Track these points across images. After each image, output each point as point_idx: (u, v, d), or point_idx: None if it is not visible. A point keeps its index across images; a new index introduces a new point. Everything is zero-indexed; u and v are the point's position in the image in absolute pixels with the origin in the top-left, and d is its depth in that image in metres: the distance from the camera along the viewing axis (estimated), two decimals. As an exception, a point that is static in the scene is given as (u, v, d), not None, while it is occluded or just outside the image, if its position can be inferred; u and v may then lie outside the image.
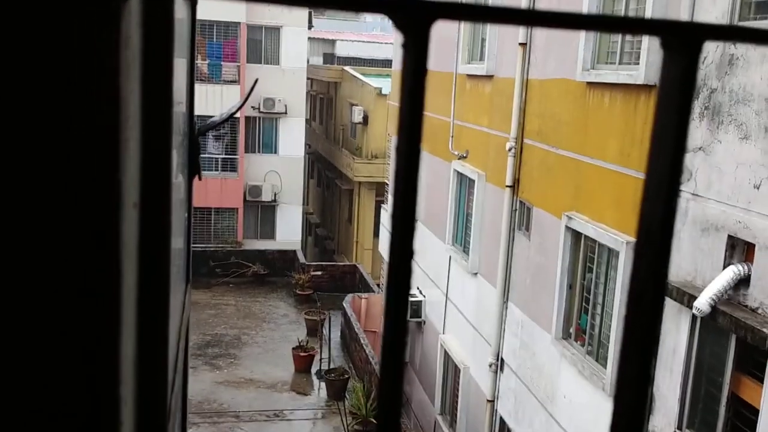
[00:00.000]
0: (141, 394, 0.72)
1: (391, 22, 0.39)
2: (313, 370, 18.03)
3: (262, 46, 26.81)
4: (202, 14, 24.73)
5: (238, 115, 25.73)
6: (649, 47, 7.47)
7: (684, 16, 6.93)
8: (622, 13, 8.28)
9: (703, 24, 0.45)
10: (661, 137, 0.45)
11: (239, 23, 25.87)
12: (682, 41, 0.43)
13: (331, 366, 17.49)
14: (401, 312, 0.42)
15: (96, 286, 0.53)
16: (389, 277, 0.42)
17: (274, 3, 0.40)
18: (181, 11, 1.47)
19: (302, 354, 17.96)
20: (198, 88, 26.22)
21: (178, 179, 1.39)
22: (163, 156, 0.78)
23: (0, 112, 0.48)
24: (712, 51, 6.60)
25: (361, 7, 0.38)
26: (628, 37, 8.23)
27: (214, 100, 25.15)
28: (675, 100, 0.44)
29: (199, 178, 1.81)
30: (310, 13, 27.70)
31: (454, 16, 0.39)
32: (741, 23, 6.38)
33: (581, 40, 8.79)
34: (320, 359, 17.77)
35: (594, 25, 0.44)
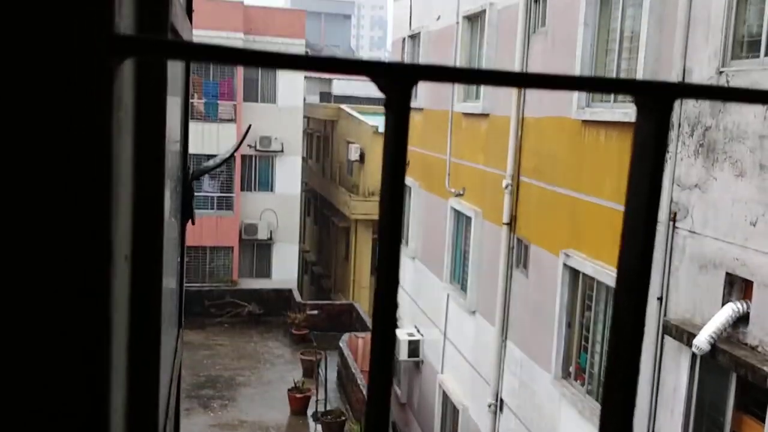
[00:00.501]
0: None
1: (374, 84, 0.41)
2: (309, 411, 17.77)
3: (259, 84, 27.05)
4: (199, 54, 24.95)
5: (234, 153, 25.81)
6: (643, 85, 7.53)
7: (677, 55, 7.01)
8: (616, 53, 8.37)
9: (674, 83, 0.47)
10: (636, 193, 0.47)
11: (236, 63, 26.10)
12: (654, 100, 0.46)
13: (328, 408, 17.25)
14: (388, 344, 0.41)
15: (85, 340, 0.53)
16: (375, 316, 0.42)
17: (265, 66, 0.41)
18: (175, 64, 1.48)
19: (298, 395, 17.73)
20: (194, 126, 26.45)
21: (171, 223, 1.38)
22: (155, 209, 0.79)
23: None
24: (705, 89, 6.65)
25: (345, 70, 0.40)
26: (623, 75, 8.31)
27: (210, 139, 25.27)
28: (648, 157, 0.46)
29: (192, 223, 1.79)
30: (306, 53, 27.97)
31: (433, 77, 0.42)
32: (733, 61, 6.45)
33: (576, 78, 8.87)
34: (316, 400, 17.54)
35: (568, 85, 0.47)
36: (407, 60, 16.07)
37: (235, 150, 2.76)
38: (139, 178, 0.71)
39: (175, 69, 1.48)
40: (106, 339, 0.54)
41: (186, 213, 1.72)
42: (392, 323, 0.42)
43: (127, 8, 0.61)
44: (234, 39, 25.92)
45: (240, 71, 26.30)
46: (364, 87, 39.61)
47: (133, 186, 0.69)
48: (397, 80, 0.39)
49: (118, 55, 0.51)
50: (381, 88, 0.40)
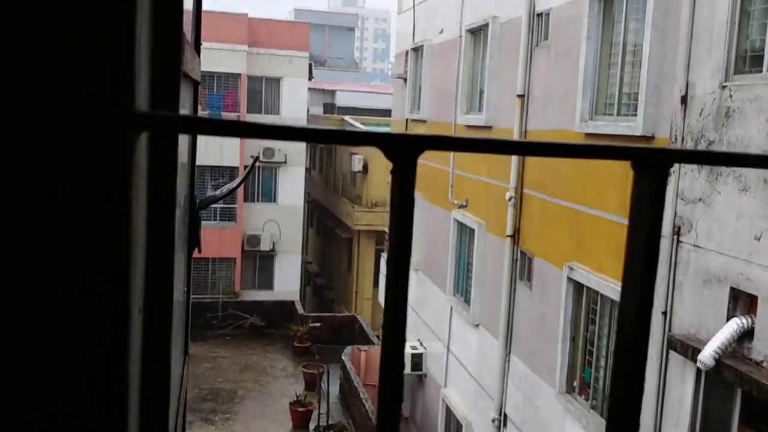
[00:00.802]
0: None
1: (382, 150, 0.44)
2: (312, 425, 17.70)
3: (263, 96, 27.14)
4: (202, 65, 25.11)
5: (237, 164, 25.88)
6: (647, 99, 7.53)
7: (680, 69, 7.00)
8: (619, 67, 8.37)
9: (670, 149, 0.49)
10: (634, 253, 0.48)
11: (240, 74, 26.22)
12: (651, 165, 0.47)
13: (330, 422, 17.18)
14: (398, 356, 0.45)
15: (104, 397, 0.55)
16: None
17: (275, 138, 0.43)
18: (184, 97, 1.49)
19: (300, 409, 17.66)
20: (198, 139, 26.51)
21: (178, 257, 1.39)
22: (166, 262, 0.82)
23: (18, 230, 0.53)
24: (708, 103, 6.65)
25: (355, 141, 0.43)
26: (626, 89, 8.31)
27: (214, 151, 25.32)
28: (646, 218, 0.47)
29: (199, 251, 1.79)
30: (310, 65, 28.12)
31: (438, 147, 0.44)
32: (736, 76, 6.44)
33: (579, 91, 8.88)
34: (318, 414, 17.47)
35: (567, 152, 0.48)
36: (411, 72, 16.11)
37: (242, 182, 2.79)
38: (152, 235, 0.74)
39: (186, 93, 1.48)
40: (123, 391, 0.56)
41: (193, 242, 1.72)
42: (400, 356, 0.42)
43: (142, 77, 0.63)
44: (238, 51, 26.03)
45: (244, 83, 26.40)
46: (368, 98, 39.71)
47: (147, 242, 0.72)
48: (404, 150, 0.41)
49: (137, 130, 0.54)
50: (388, 157, 0.41)
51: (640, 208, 0.47)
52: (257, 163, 26.89)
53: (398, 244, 0.42)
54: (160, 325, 0.81)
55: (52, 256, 0.53)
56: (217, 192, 2.64)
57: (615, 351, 0.50)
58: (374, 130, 0.41)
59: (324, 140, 0.41)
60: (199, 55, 1.81)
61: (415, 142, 0.41)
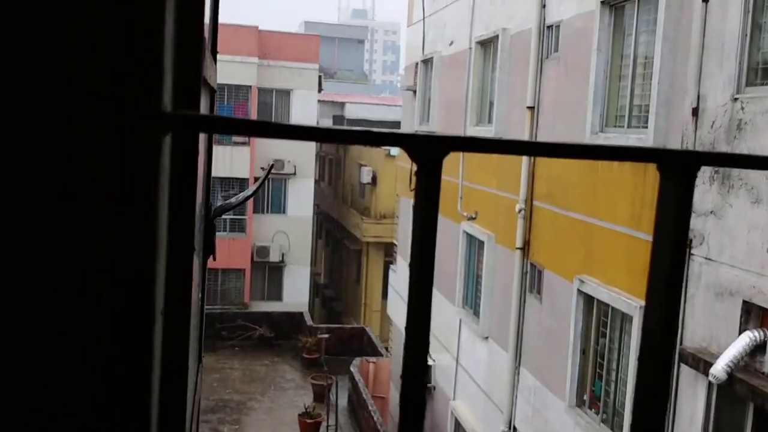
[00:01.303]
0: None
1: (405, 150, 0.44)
2: (320, 436, 17.64)
3: (273, 108, 27.25)
4: (214, 78, 25.22)
5: (247, 176, 25.96)
6: (657, 111, 7.51)
7: (691, 81, 6.99)
8: (629, 79, 8.36)
9: (697, 152, 0.48)
10: (659, 258, 0.47)
11: (250, 86, 26.35)
12: (678, 168, 0.46)
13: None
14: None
15: (130, 398, 0.56)
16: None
17: (297, 138, 0.43)
18: (202, 105, 1.50)
19: (308, 421, 17.61)
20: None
21: (194, 261, 1.40)
22: (185, 263, 0.83)
23: (51, 226, 0.53)
24: (720, 115, 6.63)
25: (380, 143, 0.42)
26: (636, 101, 8.29)
27: (224, 162, 25.42)
28: (671, 222, 0.47)
29: (214, 258, 1.79)
30: (320, 77, 28.23)
31: (463, 148, 0.45)
32: (748, 88, 6.42)
33: (589, 103, 8.87)
34: (327, 426, 17.41)
35: (594, 154, 0.48)
36: (420, 84, 16.15)
37: (258, 189, 2.80)
38: (172, 238, 0.74)
39: (205, 100, 1.49)
40: (147, 393, 0.57)
41: (208, 249, 1.73)
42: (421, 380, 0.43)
43: (167, 78, 0.65)
44: (249, 63, 26.17)
45: (255, 95, 26.53)
46: (377, 110, 39.83)
47: (168, 242, 0.72)
48: (429, 150, 0.42)
49: (163, 131, 0.55)
50: (413, 158, 0.40)
51: (666, 211, 0.46)
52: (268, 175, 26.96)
53: (422, 246, 0.41)
54: (179, 329, 0.81)
55: (78, 257, 0.53)
56: (233, 199, 2.65)
57: (639, 359, 0.50)
58: (398, 131, 0.41)
59: (347, 140, 0.41)
60: (215, 63, 1.84)
61: (440, 142, 0.41)
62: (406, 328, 0.43)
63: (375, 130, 0.41)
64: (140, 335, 0.56)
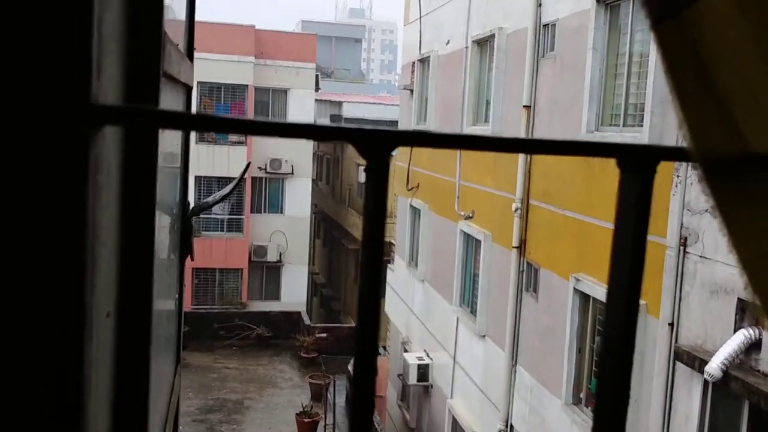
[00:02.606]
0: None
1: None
2: (318, 435, 17.65)
3: (269, 107, 27.23)
4: (210, 77, 25.26)
5: (244, 175, 25.92)
6: (653, 110, 7.53)
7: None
8: (625, 77, 8.38)
9: (657, 146, 0.48)
10: (620, 253, 0.48)
11: (247, 86, 26.34)
12: (637, 163, 0.47)
13: None
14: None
15: (61, 399, 0.53)
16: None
17: (243, 133, 0.42)
18: (175, 102, 1.49)
19: (306, 420, 17.62)
20: (205, 149, 26.44)
21: (168, 262, 1.39)
22: (143, 261, 0.80)
23: None
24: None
25: (328, 137, 0.42)
26: (632, 100, 8.31)
27: (221, 161, 25.40)
28: (632, 217, 0.47)
29: (192, 259, 1.79)
30: (317, 76, 28.22)
31: (410, 143, 0.44)
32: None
33: (585, 102, 8.88)
34: (325, 425, 17.43)
35: (551, 149, 0.48)
36: (417, 83, 16.15)
37: (234, 188, 2.80)
38: (126, 234, 0.72)
39: (176, 98, 1.49)
40: (80, 399, 0.54)
41: (185, 249, 1.72)
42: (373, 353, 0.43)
43: (110, 66, 0.62)
44: (245, 63, 26.16)
45: (251, 94, 26.52)
46: (375, 109, 39.87)
47: (120, 242, 0.70)
48: (376, 145, 0.40)
49: (95, 124, 0.53)
50: (361, 153, 0.40)
51: (626, 206, 0.47)
52: (264, 174, 26.97)
53: (371, 242, 0.41)
54: (137, 331, 0.79)
55: None
56: (209, 198, 2.66)
57: (600, 355, 0.50)
58: (347, 126, 0.41)
59: (296, 135, 0.40)
60: (192, 61, 1.82)
61: (387, 137, 0.41)
62: (356, 331, 0.43)
63: (322, 125, 0.40)
64: (70, 338, 0.54)
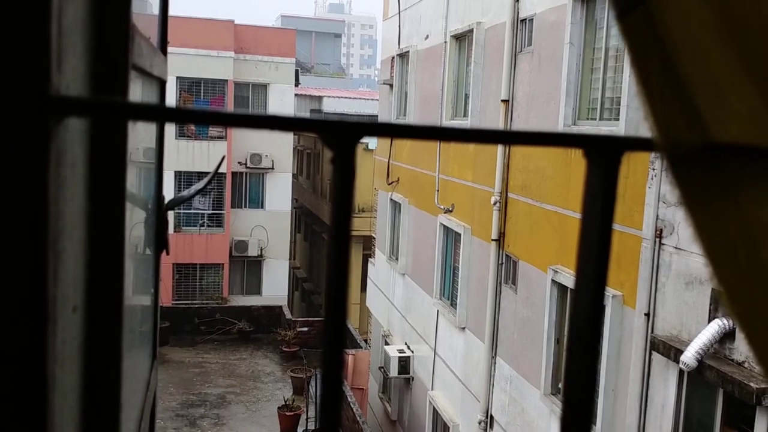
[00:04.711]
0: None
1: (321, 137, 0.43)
2: (300, 430, 17.67)
3: (250, 102, 27.10)
4: (189, 72, 25.08)
5: (225, 170, 25.83)
6: (629, 103, 7.62)
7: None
8: (601, 72, 8.47)
9: (621, 137, 0.48)
10: (586, 242, 0.48)
11: (226, 80, 26.20)
12: (603, 154, 0.46)
13: (318, 426, 17.16)
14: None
15: (23, 394, 0.53)
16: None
17: (207, 124, 0.42)
18: (148, 96, 1.50)
19: (288, 413, 17.63)
20: (185, 144, 26.20)
21: (141, 257, 1.40)
22: (112, 255, 0.79)
23: None
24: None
25: (294, 128, 0.41)
26: (608, 94, 8.40)
27: (201, 156, 25.27)
28: (598, 208, 0.47)
29: (167, 253, 1.81)
30: (296, 71, 28.12)
31: (375, 133, 0.43)
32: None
33: (562, 96, 8.96)
34: (307, 418, 17.45)
35: (515, 139, 0.49)
36: (397, 78, 16.17)
37: (209, 182, 2.80)
38: (94, 227, 0.72)
39: (149, 91, 1.50)
40: (43, 388, 0.54)
41: (160, 244, 1.74)
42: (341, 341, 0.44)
43: (74, 57, 0.62)
44: (225, 57, 26.00)
45: (231, 89, 26.38)
46: (355, 104, 39.81)
47: (88, 235, 0.70)
48: (341, 136, 0.41)
49: (54, 116, 0.52)
50: (327, 145, 0.42)
51: (592, 196, 0.46)
52: (245, 170, 26.86)
53: (338, 235, 0.43)
54: (107, 325, 0.77)
55: None
56: (185, 192, 2.67)
57: (567, 347, 0.49)
58: (312, 117, 0.42)
59: (261, 125, 0.41)
60: (165, 55, 1.81)
61: (352, 128, 0.41)
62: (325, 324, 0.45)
63: (287, 116, 0.41)
64: (32, 332, 0.53)
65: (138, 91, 1.23)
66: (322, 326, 0.44)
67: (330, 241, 0.43)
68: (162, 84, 1.76)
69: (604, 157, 0.47)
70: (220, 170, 25.53)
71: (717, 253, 0.47)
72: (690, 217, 0.48)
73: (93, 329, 0.71)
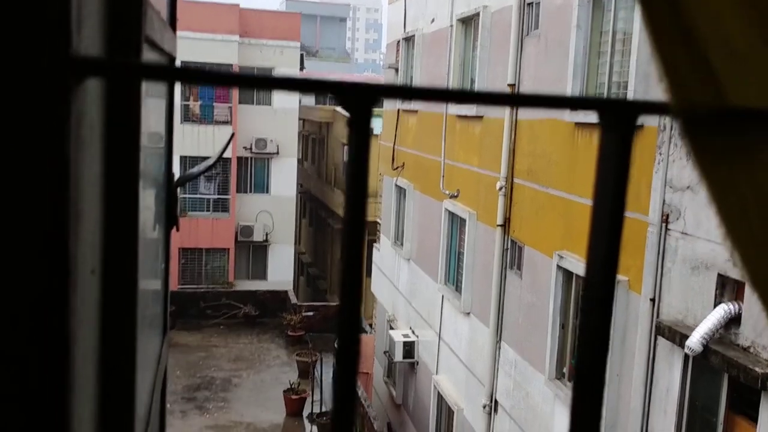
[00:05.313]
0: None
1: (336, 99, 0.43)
2: (305, 413, 17.79)
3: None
4: (194, 56, 25.00)
5: (230, 155, 25.82)
6: (636, 87, 7.57)
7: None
8: (608, 55, 8.41)
9: (637, 101, 0.47)
10: (600, 210, 0.47)
11: (231, 65, 26.12)
12: (617, 118, 0.46)
13: (324, 409, 17.27)
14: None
15: (43, 352, 0.54)
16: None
17: (235, 86, 0.42)
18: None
19: (294, 397, 17.74)
20: (190, 129, 26.21)
21: (152, 230, 1.40)
22: (128, 221, 0.80)
23: None
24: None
25: (311, 90, 0.41)
26: (615, 78, 8.35)
27: (206, 141, 25.27)
28: (612, 174, 0.46)
29: (177, 229, 1.81)
30: (301, 55, 28.03)
31: (393, 95, 0.44)
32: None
33: (569, 80, 8.91)
34: (312, 402, 17.55)
35: (532, 102, 0.47)
36: (402, 62, 16.09)
37: (219, 158, 2.80)
38: (110, 192, 0.72)
39: (159, 94, 1.50)
40: (64, 347, 0.55)
41: (170, 219, 1.74)
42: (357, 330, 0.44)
43: (91, 27, 0.63)
44: (230, 41, 25.93)
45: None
46: (360, 89, 39.60)
47: (103, 200, 0.70)
48: (359, 98, 0.41)
49: (75, 76, 0.52)
50: (344, 106, 0.41)
51: (606, 162, 0.46)
52: (250, 154, 26.85)
53: (354, 199, 0.42)
54: (123, 288, 0.79)
55: None
56: (194, 169, 2.67)
57: (580, 324, 0.49)
58: (329, 78, 0.42)
59: (277, 87, 0.41)
60: (174, 32, 1.81)
61: (370, 90, 0.41)
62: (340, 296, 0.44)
63: (302, 78, 0.41)
64: (55, 289, 0.54)
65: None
66: (338, 286, 0.44)
67: (346, 202, 0.43)
68: (172, 60, 1.76)
69: (619, 120, 0.46)
70: (226, 155, 25.52)
71: (730, 214, 0.47)
72: (703, 179, 0.47)
73: (109, 292, 0.72)
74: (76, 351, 0.58)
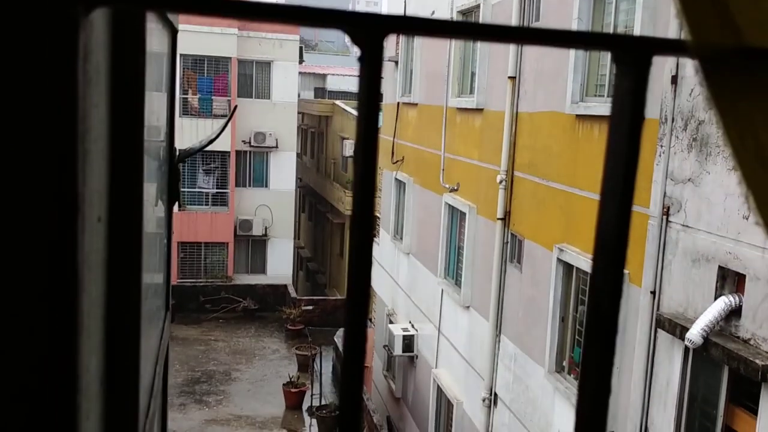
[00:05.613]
0: (109, 408, 0.70)
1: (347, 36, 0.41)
2: (305, 406, 17.79)
3: (253, 80, 26.99)
4: (193, 49, 24.96)
5: (229, 149, 25.78)
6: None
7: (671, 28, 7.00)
8: (612, 24, 8.37)
9: (652, 38, 0.47)
10: (615, 152, 0.46)
11: (230, 58, 26.07)
12: (632, 55, 0.45)
13: (323, 402, 17.29)
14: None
15: (53, 296, 0.53)
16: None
17: (240, 17, 0.41)
18: (161, 43, 1.48)
19: (293, 390, 17.75)
20: (189, 122, 26.19)
21: (157, 206, 1.39)
22: (133, 169, 0.79)
23: None
24: (698, 83, 6.67)
25: (318, 23, 0.40)
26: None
27: (205, 134, 25.13)
28: (627, 113, 0.45)
29: (179, 206, 1.80)
30: (300, 48, 27.96)
31: (405, 29, 0.43)
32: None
33: (570, 73, 8.88)
34: (311, 395, 17.56)
35: (541, 39, 0.46)
36: (402, 55, 16.06)
37: (221, 131, 2.78)
38: (115, 137, 0.71)
39: (161, 43, 1.48)
40: (73, 293, 0.54)
41: (173, 194, 1.73)
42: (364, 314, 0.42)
43: None
44: (228, 34, 25.86)
45: (234, 67, 26.25)
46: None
47: (109, 145, 0.69)
48: (370, 31, 0.40)
49: (82, 3, 0.51)
50: (355, 40, 0.40)
51: (620, 100, 0.45)
52: (249, 148, 26.81)
53: (365, 137, 0.41)
54: (129, 236, 0.78)
55: None
56: (196, 144, 2.66)
57: (590, 288, 0.50)
58: (339, 9, 0.40)
59: (284, 19, 0.39)
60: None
61: (381, 21, 0.39)
62: (351, 229, 0.42)
63: (307, 6, 0.39)
64: (62, 229, 0.53)
65: (153, 36, 1.21)
66: (349, 264, 0.42)
67: (356, 144, 0.41)
68: (174, 33, 1.74)
69: (634, 58, 0.45)
70: (224, 149, 25.48)
71: (745, 156, 0.46)
72: (719, 119, 0.47)
73: (115, 240, 0.71)
74: (85, 293, 0.57)
